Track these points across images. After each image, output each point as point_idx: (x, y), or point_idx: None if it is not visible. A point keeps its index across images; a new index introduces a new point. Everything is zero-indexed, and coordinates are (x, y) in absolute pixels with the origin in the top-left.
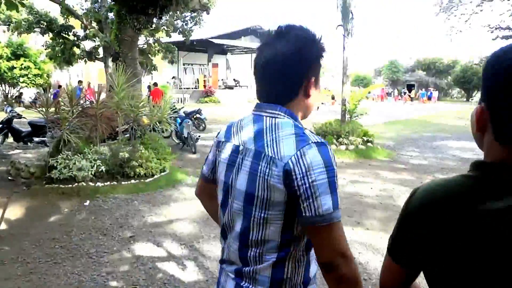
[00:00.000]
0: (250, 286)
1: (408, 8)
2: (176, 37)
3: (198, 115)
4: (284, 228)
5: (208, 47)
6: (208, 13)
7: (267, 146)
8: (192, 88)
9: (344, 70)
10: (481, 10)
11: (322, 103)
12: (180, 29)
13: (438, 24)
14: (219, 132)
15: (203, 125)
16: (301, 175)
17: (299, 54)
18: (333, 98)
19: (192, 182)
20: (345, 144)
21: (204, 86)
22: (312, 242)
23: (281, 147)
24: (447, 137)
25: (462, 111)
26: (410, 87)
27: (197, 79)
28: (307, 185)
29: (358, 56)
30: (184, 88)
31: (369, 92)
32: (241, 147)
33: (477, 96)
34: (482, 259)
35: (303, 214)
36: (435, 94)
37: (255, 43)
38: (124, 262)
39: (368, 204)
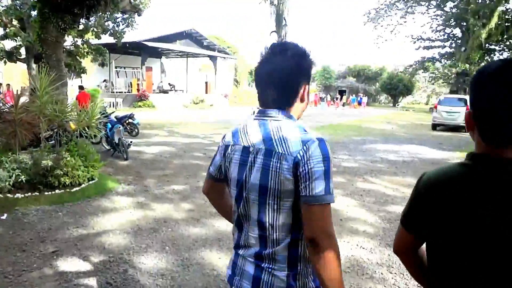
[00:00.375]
0: (271, 266)
1: (340, 17)
2: (108, 39)
3: (130, 120)
4: (294, 212)
5: (141, 50)
6: (139, 15)
7: (276, 145)
8: (125, 92)
9: None
10: (405, 22)
11: (258, 108)
12: (111, 31)
13: (367, 33)
14: (224, 136)
15: (136, 130)
16: (303, 163)
17: (297, 68)
18: None
19: (123, 190)
20: None
21: (138, 90)
22: (303, 219)
23: (289, 144)
24: (376, 141)
25: (389, 116)
26: (341, 93)
27: (130, 83)
28: (306, 170)
29: None
30: (116, 92)
31: None
32: (251, 148)
33: (402, 101)
34: (471, 227)
35: (301, 194)
36: (365, 99)
37: (190, 47)
38: (46, 280)
39: None
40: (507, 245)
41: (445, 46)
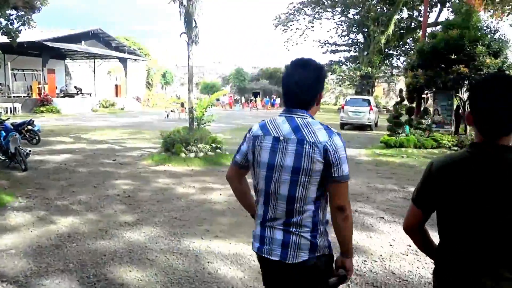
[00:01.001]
0: (298, 230)
1: (252, 20)
2: (1, 38)
3: (30, 127)
4: (318, 187)
5: (42, 51)
6: (34, 12)
7: (307, 136)
8: (24, 97)
9: (190, 78)
10: (312, 26)
11: (172, 111)
12: (4, 29)
13: (278, 36)
14: (250, 129)
15: (37, 138)
16: (333, 152)
17: (317, 79)
18: (182, 105)
19: (20, 205)
20: (194, 151)
21: (39, 94)
22: (331, 193)
23: (318, 136)
24: None
25: None
26: (256, 95)
27: (30, 86)
28: (337, 157)
29: (208, 65)
30: (14, 97)
31: (217, 99)
32: (281, 138)
33: None
34: (471, 198)
35: (333, 175)
36: (278, 101)
37: (98, 48)
38: None
39: (217, 211)
40: (498, 209)
41: (350, 50)
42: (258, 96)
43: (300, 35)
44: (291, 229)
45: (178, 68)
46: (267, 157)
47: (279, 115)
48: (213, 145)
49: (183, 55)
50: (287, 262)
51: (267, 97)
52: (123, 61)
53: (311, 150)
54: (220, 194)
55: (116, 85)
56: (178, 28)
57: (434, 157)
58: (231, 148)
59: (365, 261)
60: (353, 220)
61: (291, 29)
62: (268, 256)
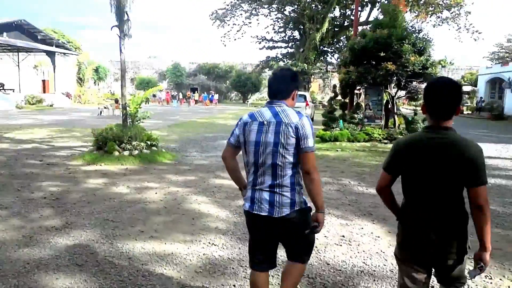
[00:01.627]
0: (280, 190)
1: (190, 16)
2: None
3: None
4: (293, 156)
5: None
6: None
7: (283, 118)
8: None
9: (122, 73)
10: (250, 22)
11: (105, 108)
12: None
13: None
14: (241, 118)
15: None
16: (301, 129)
17: (292, 81)
18: (116, 102)
19: None
20: (129, 149)
21: None
22: (302, 161)
23: (291, 118)
24: (227, 137)
25: (239, 112)
26: (193, 90)
27: None
28: (304, 133)
29: (143, 59)
30: None
31: (154, 95)
32: (265, 122)
33: (251, 98)
34: (417, 166)
35: (301, 146)
36: (216, 97)
37: (22, 41)
38: None
39: (152, 211)
40: (427, 171)
41: (286, 47)
42: (196, 92)
43: (238, 31)
44: (275, 190)
45: (112, 63)
46: (255, 136)
47: (263, 106)
48: (149, 142)
49: (118, 49)
50: (274, 216)
51: (205, 93)
52: (51, 54)
53: (286, 129)
54: (156, 193)
55: (43, 81)
56: (111, 21)
57: (398, 137)
58: (168, 145)
59: None
60: None
61: (228, 25)
62: (258, 213)
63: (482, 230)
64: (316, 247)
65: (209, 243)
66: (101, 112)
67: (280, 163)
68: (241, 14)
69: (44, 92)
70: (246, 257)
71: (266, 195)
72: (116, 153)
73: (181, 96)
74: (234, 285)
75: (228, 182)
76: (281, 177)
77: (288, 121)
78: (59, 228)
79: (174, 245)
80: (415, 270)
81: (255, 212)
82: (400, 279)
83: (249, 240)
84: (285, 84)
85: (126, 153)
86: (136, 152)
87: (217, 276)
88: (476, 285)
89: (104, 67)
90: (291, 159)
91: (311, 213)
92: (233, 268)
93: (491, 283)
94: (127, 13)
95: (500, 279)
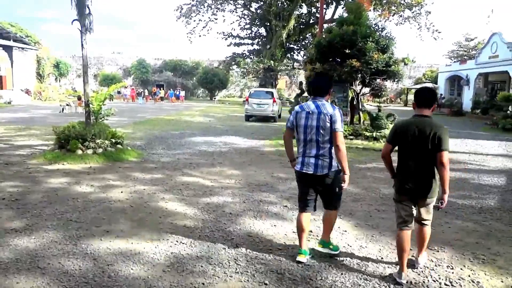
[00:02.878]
0: (322, 157)
1: (155, 10)
2: None
3: None
4: (330, 134)
5: None
6: None
7: (323, 110)
8: None
9: (84, 69)
10: (216, 19)
11: (68, 105)
12: None
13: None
14: (294, 109)
15: None
16: (334, 117)
17: (328, 83)
18: (79, 99)
19: None
20: (92, 148)
21: None
22: (333, 138)
23: (327, 109)
24: (194, 134)
25: (206, 109)
26: (159, 87)
27: None
28: (335, 119)
29: (107, 55)
30: None
31: (119, 92)
32: (310, 112)
33: (219, 95)
34: (407, 138)
35: (333, 127)
36: (183, 93)
37: None
38: None
39: (118, 210)
40: (414, 141)
41: (253, 44)
42: (162, 88)
43: (203, 27)
44: (318, 157)
45: (75, 59)
46: (303, 122)
47: (309, 101)
48: (113, 140)
49: (80, 44)
50: (317, 174)
51: (171, 89)
52: (7, 49)
53: (324, 117)
54: (121, 192)
55: (0, 76)
56: (73, 15)
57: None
58: (133, 143)
59: (269, 249)
60: (258, 210)
61: (194, 21)
62: (306, 171)
63: (443, 180)
64: (284, 242)
65: (177, 241)
66: (63, 109)
67: (320, 139)
68: (206, 10)
69: (2, 88)
70: (215, 254)
71: (312, 160)
72: (79, 152)
73: (146, 93)
74: (203, 283)
75: (195, 180)
76: (322, 148)
77: (326, 111)
78: (19, 230)
79: (141, 244)
80: (405, 205)
81: (304, 171)
82: (397, 212)
83: (298, 192)
84: (324, 86)
85: (89, 151)
86: (100, 150)
87: (186, 275)
88: (439, 275)
89: (65, 63)
90: (328, 137)
91: (340, 174)
92: (202, 266)
93: (452, 273)
94: (88, 7)
95: (461, 269)
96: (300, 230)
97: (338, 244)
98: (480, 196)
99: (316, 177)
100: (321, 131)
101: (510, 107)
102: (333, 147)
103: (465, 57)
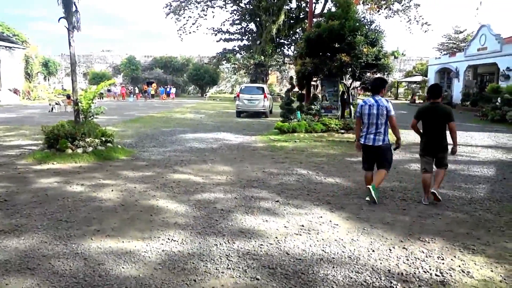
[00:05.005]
0: (379, 134)
1: (144, 8)
2: None
3: None
4: (385, 119)
5: None
6: None
7: (380, 103)
8: None
9: (72, 67)
10: (205, 15)
11: (57, 104)
12: None
13: (171, 24)
14: (359, 103)
15: None
16: (388, 107)
17: (382, 82)
18: (69, 97)
19: None
20: (82, 147)
21: None
22: (390, 121)
23: (384, 102)
24: (185, 131)
25: (197, 106)
26: (149, 84)
27: None
28: (389, 109)
29: (96, 53)
30: None
31: (109, 91)
32: (371, 104)
33: (209, 91)
34: (427, 116)
35: (389, 114)
36: (173, 90)
37: None
38: None
39: (108, 209)
40: (431, 118)
41: (243, 39)
42: (151, 85)
43: (193, 24)
44: (376, 134)
45: (63, 57)
46: (367, 111)
47: (369, 97)
48: (103, 138)
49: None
50: (375, 145)
51: (161, 86)
52: None
53: (382, 107)
54: (112, 191)
55: None
56: (60, 12)
57: (419, 105)
58: (124, 141)
59: (261, 245)
60: (250, 205)
61: (184, 17)
62: (367, 143)
63: (454, 139)
64: (276, 237)
65: (168, 239)
66: (52, 109)
67: (379, 123)
68: (196, 7)
69: None
70: (207, 251)
71: (371, 136)
72: (69, 151)
73: (137, 91)
74: (195, 280)
75: (186, 177)
76: (378, 129)
77: (382, 104)
78: (8, 231)
79: (132, 242)
80: (427, 158)
81: (366, 143)
82: (421, 163)
83: (362, 157)
84: (378, 86)
85: (79, 150)
86: (90, 149)
87: (177, 272)
88: (430, 266)
89: (54, 61)
90: (384, 120)
91: (395, 142)
92: (193, 263)
93: (443, 263)
94: (75, 4)
95: (452, 260)
96: (368, 180)
97: (377, 195)
98: (470, 187)
99: (373, 147)
100: (380, 117)
101: (498, 98)
102: (386, 128)
103: (455, 50)
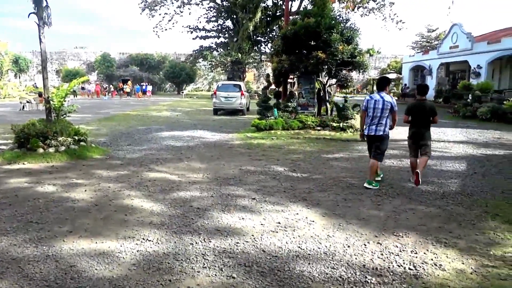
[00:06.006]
0: (381, 125)
1: (120, 5)
2: None
3: None
4: (388, 113)
5: None
6: None
7: (385, 99)
8: None
9: (43, 64)
10: (181, 12)
11: (28, 102)
12: None
13: (146, 21)
14: (366, 98)
15: None
16: (393, 103)
17: (386, 81)
18: (41, 95)
19: None
20: (54, 146)
21: None
22: (392, 115)
23: (388, 98)
24: (161, 129)
25: (174, 103)
26: (124, 82)
27: None
28: (393, 104)
29: (70, 50)
30: None
31: (83, 88)
32: (376, 100)
33: (186, 89)
34: (414, 110)
35: (393, 110)
36: (150, 88)
37: None
38: None
39: (81, 209)
40: (419, 113)
41: (220, 37)
42: (126, 83)
43: (169, 21)
44: (378, 125)
45: (35, 54)
46: (372, 105)
47: (375, 93)
48: (76, 137)
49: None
50: (376, 134)
51: (137, 84)
52: None
53: (386, 102)
54: (85, 190)
55: None
56: (30, 8)
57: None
58: (98, 140)
59: (237, 243)
60: (226, 203)
61: (160, 14)
62: (370, 133)
63: (436, 122)
64: (252, 235)
65: (143, 239)
66: (23, 107)
67: (382, 115)
68: (172, 3)
69: None
70: (182, 250)
71: (374, 127)
72: (41, 150)
73: (112, 88)
74: (170, 280)
75: (162, 175)
76: (382, 120)
77: (387, 100)
78: None
79: (106, 243)
80: (413, 145)
81: (369, 134)
82: (410, 148)
83: (367, 146)
84: (383, 84)
85: (51, 149)
86: (63, 148)
87: (152, 272)
88: (404, 260)
89: (25, 58)
90: (387, 114)
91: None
92: (168, 263)
93: (416, 257)
94: (46, 0)
95: (424, 253)
96: (372, 166)
97: (380, 177)
98: (443, 182)
99: (375, 136)
100: (384, 111)
101: (470, 95)
102: (387, 120)
103: (428, 48)
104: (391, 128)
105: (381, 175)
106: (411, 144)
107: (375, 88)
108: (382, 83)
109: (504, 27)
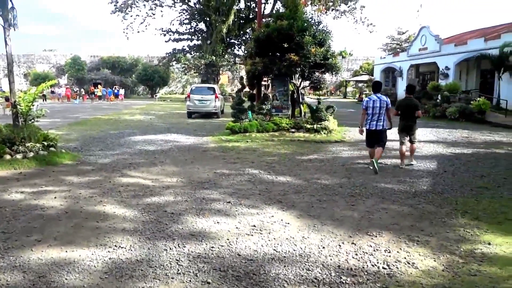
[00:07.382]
0: (380, 121)
1: (89, 6)
2: None
3: None
4: (386, 111)
5: None
6: None
7: (382, 99)
8: None
9: (9, 67)
10: (153, 14)
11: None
12: None
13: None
14: (365, 99)
15: None
16: (388, 102)
17: (380, 84)
18: (7, 100)
19: None
20: (22, 152)
21: None
22: (387, 112)
23: (384, 98)
24: (134, 133)
25: (147, 107)
26: (96, 85)
27: None
28: (388, 103)
29: (38, 53)
30: None
31: (53, 92)
32: (376, 100)
33: (160, 92)
34: (402, 106)
35: (387, 107)
36: (122, 92)
37: None
38: None
39: (51, 217)
40: (407, 108)
41: (193, 39)
42: (97, 87)
43: (141, 23)
44: (377, 121)
45: (1, 57)
46: (372, 105)
47: (373, 94)
48: (45, 143)
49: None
50: (377, 129)
51: (108, 87)
52: None
53: (383, 102)
54: (55, 198)
55: None
56: None
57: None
58: (68, 145)
59: (212, 247)
60: (201, 207)
61: (131, 16)
62: (371, 128)
63: (419, 117)
64: (228, 239)
65: (115, 246)
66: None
67: (381, 113)
68: (143, 5)
69: None
70: (156, 256)
71: (374, 123)
72: (8, 157)
73: (83, 92)
74: (143, 287)
75: (135, 180)
76: (381, 117)
77: (384, 100)
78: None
79: (76, 252)
80: (403, 134)
81: (371, 128)
82: (400, 137)
83: (366, 141)
84: (378, 86)
85: (19, 156)
86: (31, 154)
87: (125, 280)
88: (377, 260)
89: None
90: (384, 111)
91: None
92: (142, 270)
93: (390, 256)
94: (11, 0)
95: (398, 252)
96: (371, 154)
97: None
98: (414, 181)
99: (375, 131)
100: (382, 109)
101: (439, 96)
102: (385, 116)
103: (398, 50)
104: (389, 128)
105: (378, 166)
106: (401, 134)
107: (371, 90)
108: (378, 86)
109: (471, 29)
